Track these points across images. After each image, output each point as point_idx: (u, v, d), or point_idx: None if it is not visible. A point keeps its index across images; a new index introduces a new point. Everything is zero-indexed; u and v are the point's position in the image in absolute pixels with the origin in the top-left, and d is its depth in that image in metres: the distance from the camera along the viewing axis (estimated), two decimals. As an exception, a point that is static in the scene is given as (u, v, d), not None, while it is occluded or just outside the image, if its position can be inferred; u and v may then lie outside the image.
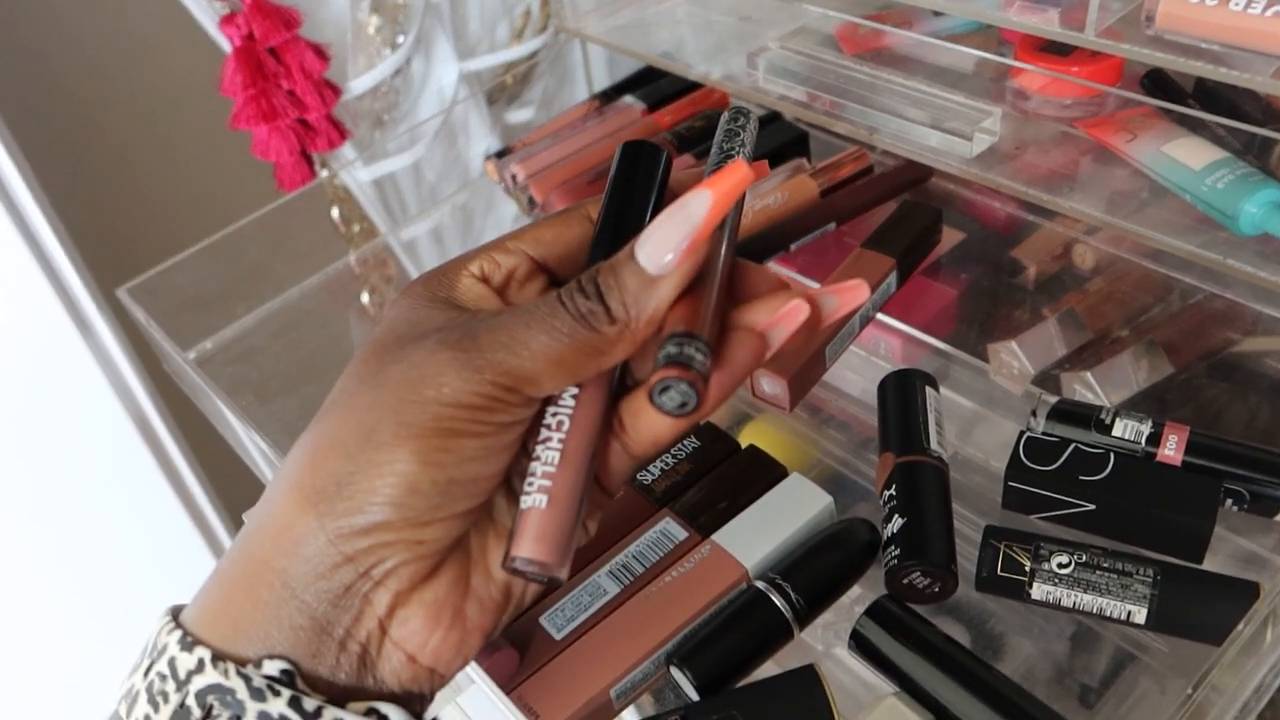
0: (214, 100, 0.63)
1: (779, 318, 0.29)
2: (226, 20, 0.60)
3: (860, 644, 0.39)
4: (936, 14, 0.59)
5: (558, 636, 0.39)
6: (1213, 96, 0.50)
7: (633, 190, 0.30)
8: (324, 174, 0.71)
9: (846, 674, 0.45)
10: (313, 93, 0.64)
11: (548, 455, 0.28)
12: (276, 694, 0.26)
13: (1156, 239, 0.47)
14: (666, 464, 0.44)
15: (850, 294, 0.29)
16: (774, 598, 0.38)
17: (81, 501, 0.69)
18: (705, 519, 0.42)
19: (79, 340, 0.63)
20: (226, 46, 0.62)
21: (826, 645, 0.48)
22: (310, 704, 0.26)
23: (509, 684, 0.37)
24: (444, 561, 0.28)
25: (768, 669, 0.40)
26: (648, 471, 0.44)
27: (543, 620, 0.39)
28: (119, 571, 0.74)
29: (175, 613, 0.29)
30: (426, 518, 0.27)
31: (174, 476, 0.70)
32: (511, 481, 0.29)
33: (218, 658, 0.27)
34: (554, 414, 0.28)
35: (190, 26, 0.61)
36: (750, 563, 0.40)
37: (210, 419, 0.61)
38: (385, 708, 0.27)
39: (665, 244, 0.27)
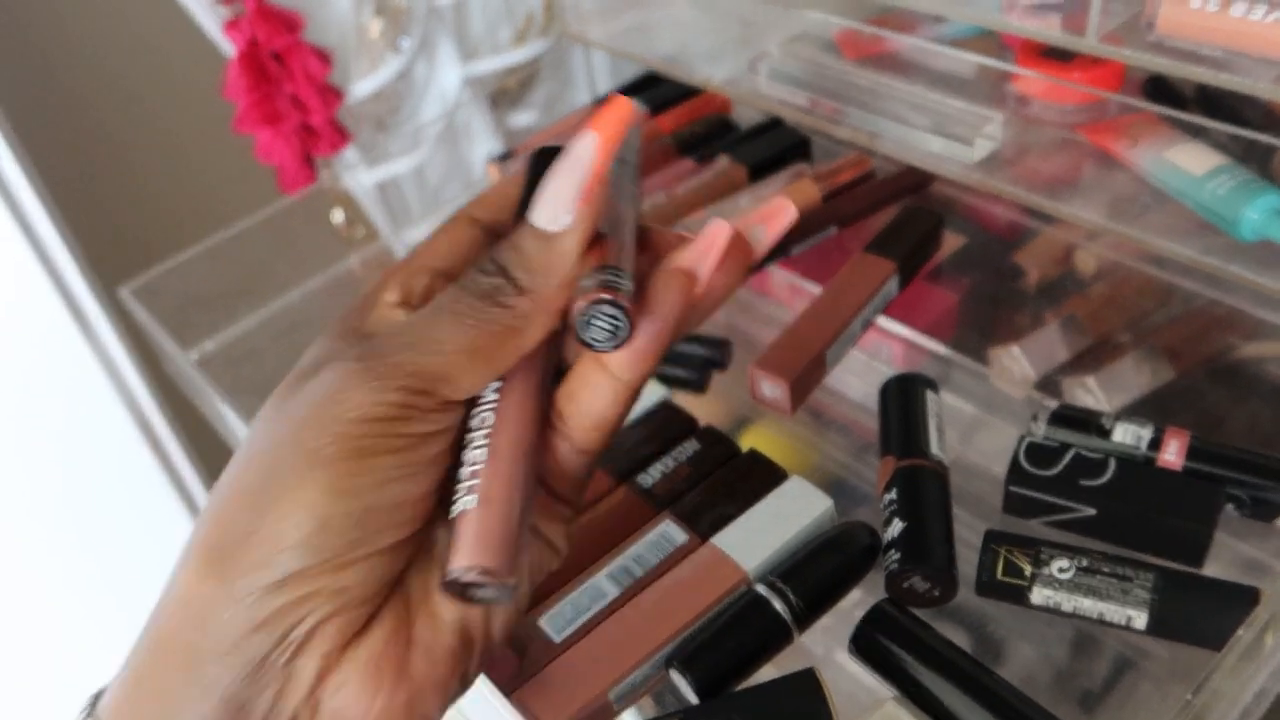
0: (217, 102, 0.63)
1: (701, 246, 0.27)
2: (231, 25, 0.61)
3: (860, 648, 0.39)
4: (938, 19, 0.59)
5: (557, 639, 0.39)
6: (1214, 102, 0.50)
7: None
8: (327, 177, 0.71)
9: (846, 678, 0.45)
10: (315, 96, 0.64)
11: (474, 455, 0.25)
12: None
13: (1158, 244, 0.47)
14: (667, 467, 0.44)
15: (776, 217, 0.28)
16: (774, 601, 0.38)
17: (82, 502, 0.69)
18: (705, 522, 0.42)
19: (80, 339, 0.63)
20: (230, 50, 0.62)
21: (826, 649, 0.48)
22: None
23: (508, 686, 0.37)
24: (378, 610, 0.24)
25: (766, 672, 0.40)
26: (648, 475, 0.44)
27: (542, 622, 0.39)
28: (119, 573, 0.74)
29: (97, 698, 0.25)
30: (346, 558, 0.23)
31: (175, 477, 0.70)
32: (450, 509, 0.26)
33: None
34: (477, 414, 0.25)
35: (193, 28, 0.62)
36: (750, 566, 0.40)
37: (211, 420, 0.61)
38: None
39: (560, 198, 0.25)
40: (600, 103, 0.29)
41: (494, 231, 0.29)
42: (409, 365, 0.24)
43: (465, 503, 0.24)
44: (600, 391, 0.27)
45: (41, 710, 0.77)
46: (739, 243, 0.27)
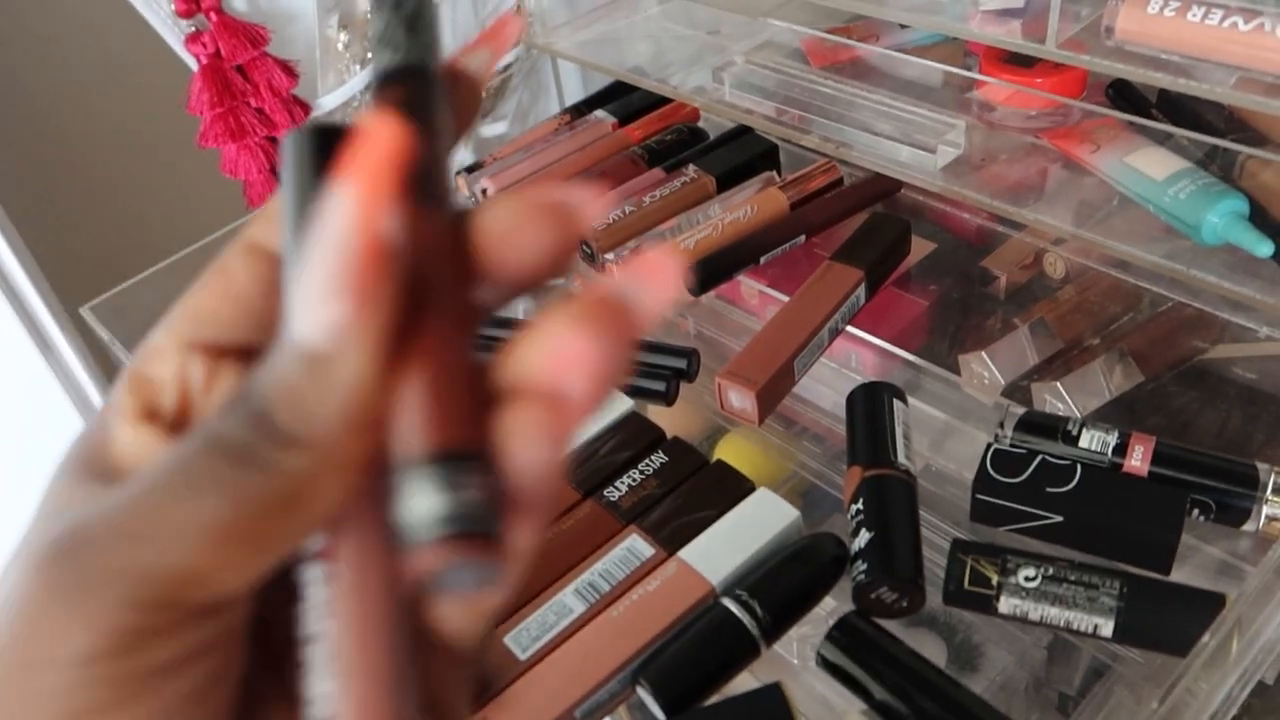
0: (181, 116, 0.63)
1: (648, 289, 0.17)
2: (192, 39, 0.60)
3: (827, 662, 0.39)
4: (902, 26, 0.59)
5: (522, 656, 0.38)
6: (1176, 107, 0.50)
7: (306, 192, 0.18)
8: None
9: (824, 686, 0.45)
10: (281, 110, 0.64)
11: (318, 677, 0.16)
12: None
13: (1122, 250, 0.47)
14: (634, 480, 0.44)
15: (497, 36, 0.20)
16: (740, 615, 0.38)
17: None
18: (672, 535, 0.42)
19: (40, 360, 0.62)
20: (193, 64, 0.62)
21: (802, 659, 0.48)
22: None
23: (472, 706, 0.37)
24: None
25: (743, 680, 0.39)
26: (614, 488, 0.44)
27: (507, 640, 0.39)
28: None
29: None
30: None
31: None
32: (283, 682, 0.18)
33: None
34: (304, 607, 0.17)
35: (157, 42, 0.61)
36: (717, 579, 0.40)
37: (178, 439, 0.60)
38: None
39: (318, 296, 0.16)
40: (333, 133, 0.18)
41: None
42: (131, 569, 0.16)
43: (323, 706, 0.16)
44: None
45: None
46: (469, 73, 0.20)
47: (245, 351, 0.19)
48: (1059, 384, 0.52)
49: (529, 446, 0.16)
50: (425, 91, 0.18)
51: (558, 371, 0.16)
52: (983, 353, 0.54)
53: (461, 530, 0.15)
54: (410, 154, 0.16)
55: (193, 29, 0.61)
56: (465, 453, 0.15)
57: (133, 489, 0.16)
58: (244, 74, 0.62)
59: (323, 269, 0.16)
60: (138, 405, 0.18)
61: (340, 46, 0.68)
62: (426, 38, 0.19)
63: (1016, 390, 0.53)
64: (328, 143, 0.18)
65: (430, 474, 0.15)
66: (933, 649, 0.51)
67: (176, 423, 0.18)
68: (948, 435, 0.52)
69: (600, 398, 0.17)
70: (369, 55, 0.70)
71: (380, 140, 0.16)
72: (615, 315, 0.17)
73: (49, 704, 0.15)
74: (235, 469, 0.16)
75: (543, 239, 0.17)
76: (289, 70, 0.63)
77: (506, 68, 0.80)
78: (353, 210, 0.16)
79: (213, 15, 0.60)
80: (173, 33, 0.61)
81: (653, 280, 0.17)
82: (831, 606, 0.43)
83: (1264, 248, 0.42)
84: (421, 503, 0.15)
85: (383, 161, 0.16)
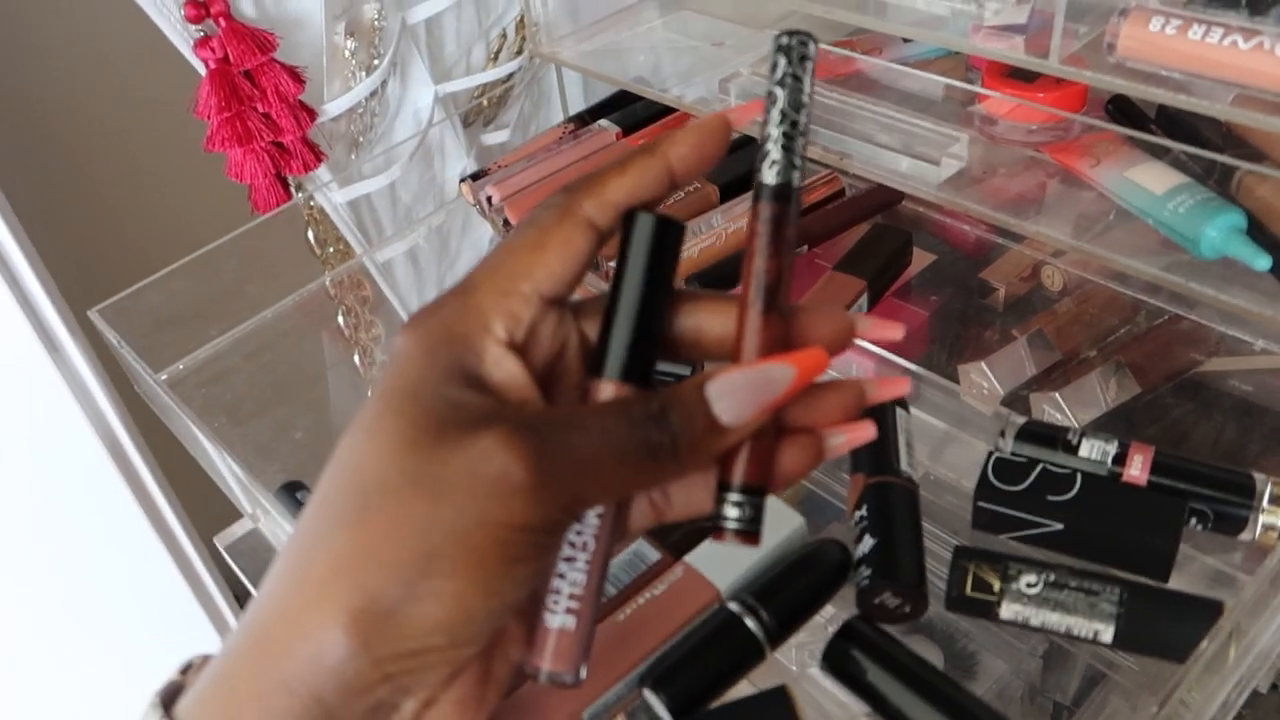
0: (188, 121, 0.63)
1: (846, 437, 0.29)
2: (201, 44, 0.61)
3: (832, 664, 0.39)
4: (906, 40, 0.60)
5: (530, 659, 0.39)
6: (1175, 122, 0.51)
7: (652, 270, 0.28)
8: (299, 196, 0.71)
9: (822, 694, 0.45)
10: (288, 116, 0.64)
11: (575, 576, 0.27)
12: None
13: (1121, 262, 0.48)
14: (640, 485, 0.45)
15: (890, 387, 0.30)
16: (746, 619, 0.39)
17: (51, 524, 0.68)
18: (678, 540, 0.42)
19: (48, 362, 0.62)
20: (201, 69, 0.62)
21: (801, 665, 0.48)
22: None
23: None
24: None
25: (741, 687, 0.40)
26: (621, 493, 0.44)
27: (515, 643, 0.39)
28: (89, 594, 0.73)
29: (166, 701, 0.26)
30: (475, 641, 0.25)
31: (145, 499, 0.70)
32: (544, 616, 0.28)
33: None
34: (579, 532, 0.27)
35: (165, 47, 0.61)
36: (723, 584, 0.40)
37: (182, 441, 0.60)
38: None
39: (742, 403, 0.26)
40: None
41: (605, 234, 0.28)
42: (576, 490, 0.25)
43: (564, 621, 0.27)
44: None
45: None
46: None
47: (557, 300, 0.27)
48: (1057, 395, 0.53)
49: (792, 471, 0.28)
50: (792, 210, 0.28)
51: (821, 423, 0.28)
52: (982, 363, 0.55)
53: (741, 530, 0.27)
54: (821, 371, 0.27)
55: (201, 34, 0.61)
56: (757, 486, 0.27)
57: (582, 437, 0.25)
58: (251, 79, 0.63)
59: (755, 394, 0.26)
60: (507, 337, 0.26)
61: (346, 53, 0.69)
62: (801, 159, 0.28)
63: (1015, 400, 0.54)
64: (673, 234, 0.28)
65: (741, 497, 0.27)
66: (930, 657, 0.51)
67: (523, 350, 0.27)
68: (947, 444, 0.53)
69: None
70: (374, 62, 0.71)
71: (816, 363, 0.27)
72: (863, 398, 0.29)
73: (491, 547, 0.24)
74: (644, 455, 0.26)
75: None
76: (296, 76, 0.64)
77: (509, 76, 0.81)
78: (790, 381, 0.26)
79: (222, 21, 0.61)
80: (182, 37, 0.61)
81: (890, 386, 0.29)
82: (830, 614, 0.44)
83: (1262, 261, 0.43)
84: (732, 511, 0.27)
85: (812, 371, 0.27)
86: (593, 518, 0.27)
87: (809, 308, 0.30)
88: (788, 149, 0.27)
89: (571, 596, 0.27)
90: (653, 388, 0.27)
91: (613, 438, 0.26)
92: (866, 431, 0.29)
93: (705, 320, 0.29)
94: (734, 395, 0.26)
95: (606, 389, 0.27)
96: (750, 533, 0.27)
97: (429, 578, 0.24)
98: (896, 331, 0.29)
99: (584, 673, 0.28)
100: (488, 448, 0.24)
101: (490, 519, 0.24)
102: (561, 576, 0.27)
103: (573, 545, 0.27)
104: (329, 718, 0.24)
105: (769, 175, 0.28)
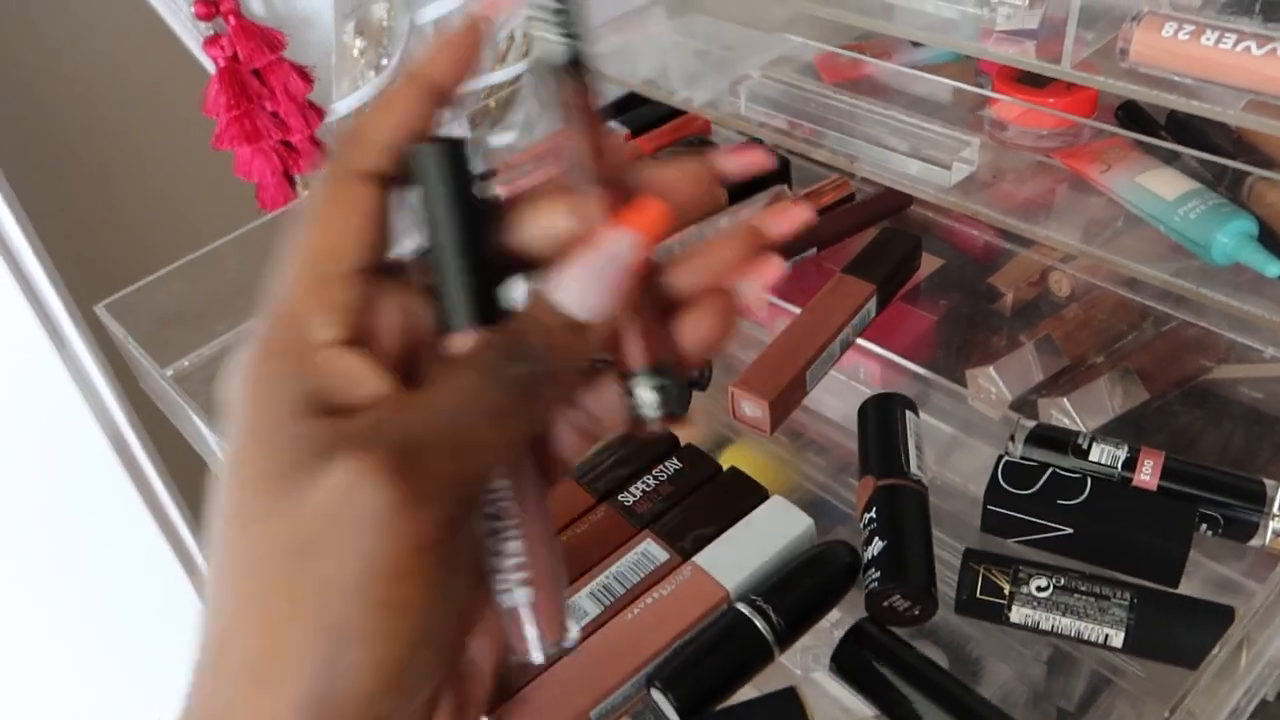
0: (196, 118, 0.63)
1: (757, 278, 0.27)
2: (211, 41, 0.60)
3: (841, 666, 0.39)
4: (916, 44, 0.60)
5: (538, 658, 0.38)
6: (1185, 129, 0.51)
7: (451, 199, 0.25)
8: (306, 195, 0.71)
9: (825, 698, 0.45)
10: (296, 114, 0.64)
11: (511, 547, 0.24)
12: None
13: (1131, 267, 0.48)
14: (648, 485, 0.44)
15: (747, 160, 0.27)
16: (755, 619, 0.38)
17: (55, 519, 0.68)
18: (686, 541, 0.42)
19: (54, 356, 0.62)
20: (210, 67, 0.62)
21: (804, 669, 0.48)
22: None
23: (488, 706, 0.37)
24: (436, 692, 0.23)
25: (746, 692, 0.40)
26: (629, 493, 0.44)
27: (523, 642, 0.39)
28: (92, 590, 0.73)
29: None
30: (428, 682, 0.22)
31: (149, 494, 0.70)
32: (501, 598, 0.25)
33: None
34: (490, 507, 0.24)
35: (173, 43, 0.61)
36: (731, 584, 0.40)
37: (187, 437, 0.60)
38: None
39: (592, 289, 0.23)
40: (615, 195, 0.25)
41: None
42: (457, 476, 0.21)
43: (521, 595, 0.24)
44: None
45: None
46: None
47: (370, 270, 0.24)
48: (1065, 400, 0.52)
49: (701, 335, 0.26)
50: (586, 82, 0.26)
51: (722, 279, 0.26)
52: (990, 368, 0.54)
53: (658, 415, 0.25)
54: (665, 221, 0.25)
55: (212, 32, 0.61)
56: (660, 366, 0.25)
57: (438, 417, 0.22)
58: (260, 78, 0.63)
59: (600, 273, 0.24)
60: (335, 334, 0.23)
61: (356, 53, 0.69)
62: (576, 28, 0.26)
63: (1023, 406, 0.53)
64: (456, 153, 0.25)
65: (647, 380, 0.25)
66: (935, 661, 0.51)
67: (368, 338, 0.23)
68: (954, 449, 0.53)
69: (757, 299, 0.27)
70: (383, 61, 0.71)
71: (654, 214, 0.25)
72: (758, 237, 0.27)
73: (400, 585, 0.21)
74: (517, 396, 0.23)
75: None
76: (305, 75, 0.64)
77: (517, 78, 0.81)
78: (631, 247, 0.24)
79: (231, 19, 0.60)
80: (192, 35, 0.61)
81: (782, 219, 0.27)
82: (836, 618, 0.44)
83: (1273, 268, 0.43)
84: (645, 396, 0.25)
85: (654, 226, 0.24)
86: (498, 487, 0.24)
87: (655, 166, 0.27)
88: (560, 23, 0.25)
89: (518, 568, 0.24)
90: (508, 316, 0.24)
91: (476, 398, 0.22)
92: (775, 266, 0.27)
93: (541, 222, 0.25)
94: (579, 286, 0.23)
95: (461, 343, 0.24)
96: (670, 414, 0.25)
97: (344, 654, 0.21)
98: (801, 214, 0.28)
99: (574, 632, 0.27)
100: (341, 479, 0.21)
101: (378, 558, 0.20)
102: (498, 555, 0.24)
103: (495, 517, 0.24)
104: None
105: (551, 54, 0.25)
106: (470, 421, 0.22)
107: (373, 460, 0.20)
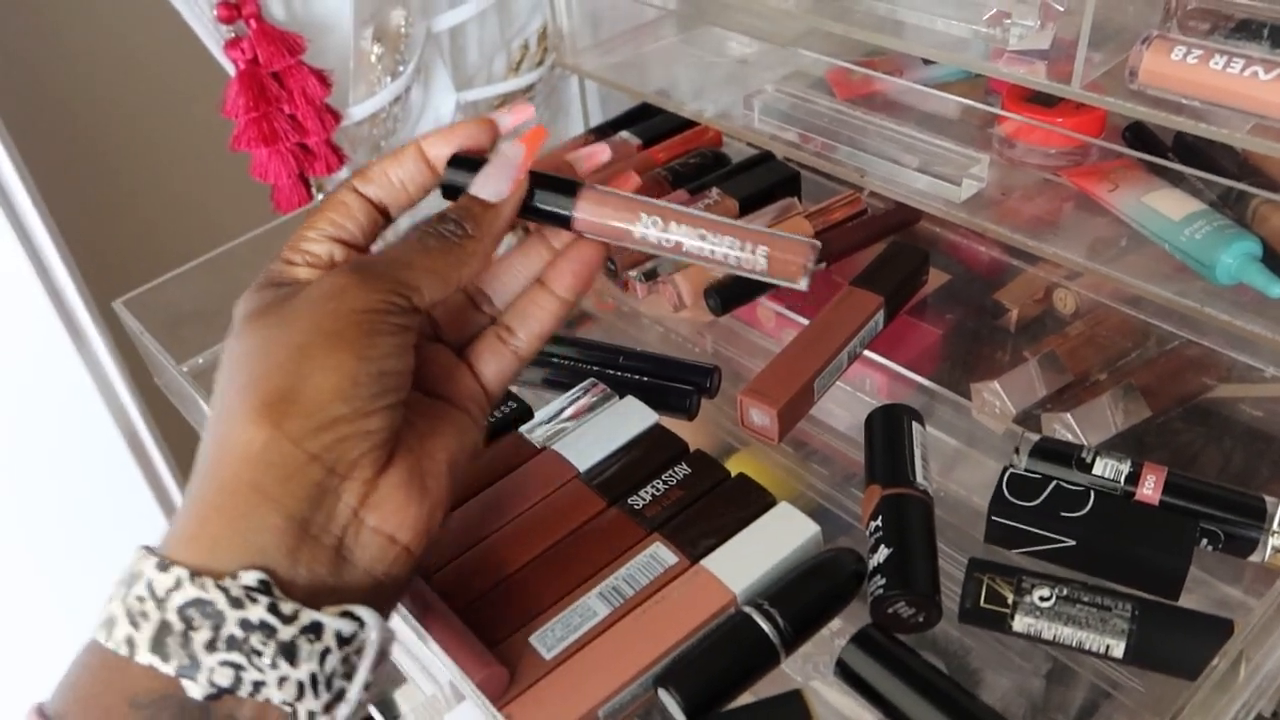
0: (214, 119, 0.64)
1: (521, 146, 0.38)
2: (232, 44, 0.61)
3: (846, 672, 0.40)
4: (927, 62, 0.61)
5: (547, 656, 0.39)
6: (1191, 150, 0.52)
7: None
8: (320, 197, 0.71)
9: (825, 706, 0.45)
10: (313, 118, 0.65)
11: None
12: (255, 601, 0.29)
13: (1135, 285, 0.48)
14: (658, 490, 0.45)
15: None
16: (762, 623, 0.39)
17: (69, 512, 0.69)
18: (695, 544, 0.43)
19: (72, 350, 0.63)
20: (230, 69, 0.63)
21: (805, 676, 0.49)
22: (288, 607, 0.29)
23: (499, 702, 0.37)
24: (394, 451, 0.33)
25: (747, 699, 0.40)
26: (639, 497, 0.45)
27: (533, 640, 0.40)
28: (105, 584, 0.73)
29: (148, 548, 0.31)
30: (369, 408, 0.32)
31: (160, 490, 0.70)
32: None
33: (195, 574, 0.29)
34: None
35: (194, 45, 0.62)
36: (738, 588, 0.41)
37: (200, 432, 0.61)
38: (359, 609, 0.31)
39: (498, 181, 0.36)
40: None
41: (375, 205, 0.37)
42: (394, 276, 0.33)
43: None
44: (547, 308, 0.39)
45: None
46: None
47: (346, 242, 0.36)
48: (1068, 415, 0.53)
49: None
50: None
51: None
52: (994, 382, 0.55)
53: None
54: (540, 141, 0.37)
55: (232, 34, 0.62)
56: None
57: (392, 246, 0.35)
58: (279, 81, 0.64)
59: (503, 171, 0.36)
60: (313, 263, 0.35)
61: (373, 59, 0.70)
62: None
63: (1026, 420, 0.54)
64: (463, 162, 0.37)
65: None
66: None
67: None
68: (958, 462, 0.53)
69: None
70: (399, 68, 0.72)
71: (539, 138, 0.37)
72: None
73: (347, 326, 0.32)
74: (444, 243, 0.35)
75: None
76: (323, 79, 0.65)
77: (530, 86, 0.82)
78: (523, 154, 0.36)
79: (252, 22, 0.61)
80: (213, 37, 0.62)
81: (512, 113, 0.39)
82: (838, 626, 0.44)
83: (1276, 288, 0.44)
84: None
85: (536, 143, 0.37)
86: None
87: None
88: None
89: None
90: None
91: (414, 242, 0.35)
92: (526, 110, 0.39)
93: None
94: (490, 179, 0.36)
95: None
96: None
97: (309, 360, 0.31)
98: (600, 153, 0.41)
99: None
100: (321, 281, 0.33)
101: (337, 309, 0.32)
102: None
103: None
104: (275, 505, 0.30)
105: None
106: (409, 253, 0.34)
107: (345, 266, 0.34)
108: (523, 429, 0.49)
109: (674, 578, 0.41)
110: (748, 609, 0.40)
